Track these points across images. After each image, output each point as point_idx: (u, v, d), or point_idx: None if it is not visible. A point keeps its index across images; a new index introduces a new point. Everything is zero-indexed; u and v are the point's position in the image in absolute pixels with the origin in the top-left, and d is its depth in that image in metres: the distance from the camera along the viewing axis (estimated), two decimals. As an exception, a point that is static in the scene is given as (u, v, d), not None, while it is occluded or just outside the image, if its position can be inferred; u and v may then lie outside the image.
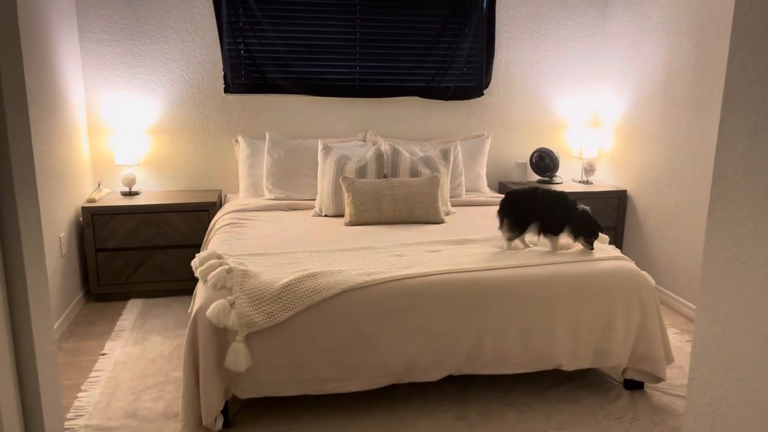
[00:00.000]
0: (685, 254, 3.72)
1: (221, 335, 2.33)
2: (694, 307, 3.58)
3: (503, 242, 2.93)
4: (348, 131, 4.26)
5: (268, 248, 2.90)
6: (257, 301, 2.37)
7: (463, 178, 4.03)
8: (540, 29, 4.38)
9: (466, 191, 4.08)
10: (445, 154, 3.78)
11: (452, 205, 3.79)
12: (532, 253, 2.86)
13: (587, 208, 2.89)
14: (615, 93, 4.37)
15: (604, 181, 4.52)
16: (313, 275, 2.47)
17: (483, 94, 4.37)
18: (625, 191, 4.27)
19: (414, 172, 3.66)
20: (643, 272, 2.78)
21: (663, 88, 3.86)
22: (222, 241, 3.05)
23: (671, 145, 3.80)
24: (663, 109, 3.87)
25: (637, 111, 4.13)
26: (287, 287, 2.41)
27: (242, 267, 2.51)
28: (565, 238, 2.87)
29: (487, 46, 4.31)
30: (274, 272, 2.55)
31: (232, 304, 2.34)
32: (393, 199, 3.41)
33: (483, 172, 4.25)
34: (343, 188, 3.46)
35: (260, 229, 3.26)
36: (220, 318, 2.30)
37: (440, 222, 3.46)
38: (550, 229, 2.87)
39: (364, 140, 4.17)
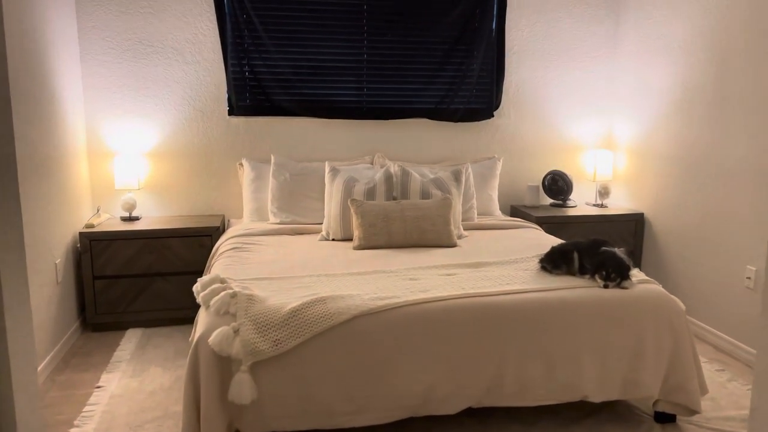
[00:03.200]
0: (708, 279, 3.56)
1: (224, 365, 2.16)
2: (722, 334, 3.40)
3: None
4: (355, 154, 4.14)
5: (275, 273, 2.75)
6: (263, 328, 2.21)
7: (474, 200, 3.89)
8: (550, 49, 4.30)
9: (478, 214, 3.94)
10: (456, 176, 3.66)
11: (464, 229, 3.65)
12: (555, 276, 2.70)
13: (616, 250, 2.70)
14: (629, 113, 4.26)
15: (619, 204, 4.38)
16: (322, 300, 2.32)
17: (493, 116, 4.26)
18: (642, 214, 4.13)
19: (425, 194, 3.52)
20: (672, 296, 2.62)
21: (680, 107, 3.74)
22: (225, 266, 2.90)
23: (690, 165, 3.67)
24: (680, 129, 3.75)
25: (653, 131, 4.01)
26: (295, 312, 2.25)
27: (247, 291, 2.36)
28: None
29: (496, 67, 4.22)
30: (282, 297, 2.40)
31: (236, 331, 2.18)
32: (403, 222, 3.27)
33: (495, 194, 4.12)
34: (352, 211, 3.32)
35: (265, 254, 3.11)
36: (224, 346, 2.14)
37: (453, 245, 3.31)
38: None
39: (372, 163, 4.05)
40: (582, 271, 2.73)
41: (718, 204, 3.47)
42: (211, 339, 2.15)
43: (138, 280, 3.57)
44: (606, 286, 2.58)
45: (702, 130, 3.57)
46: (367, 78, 4.12)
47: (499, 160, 4.19)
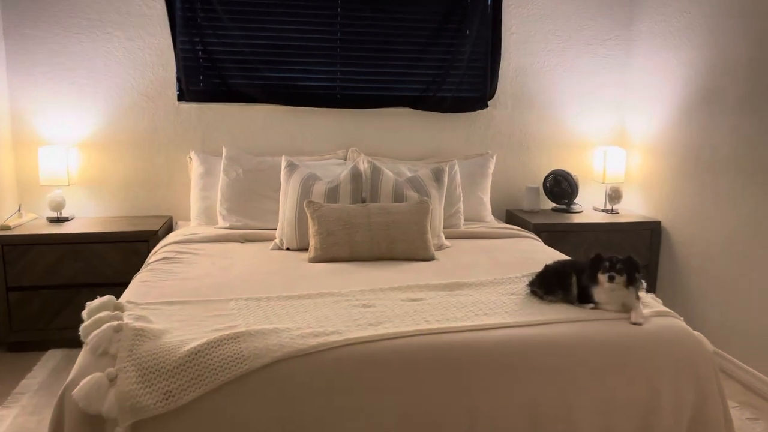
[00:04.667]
0: (737, 302, 2.96)
1: (96, 425, 1.62)
2: (754, 371, 2.81)
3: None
4: (326, 148, 3.59)
5: (197, 293, 2.21)
6: (151, 375, 1.66)
7: (461, 204, 3.32)
8: (555, 30, 3.71)
9: (465, 220, 3.37)
10: (437, 175, 3.08)
11: (447, 237, 3.08)
12: (547, 307, 2.13)
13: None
14: (645, 105, 3.66)
15: (632, 210, 3.79)
16: (236, 337, 1.77)
17: (487, 106, 3.69)
18: (658, 222, 3.54)
19: (398, 196, 2.96)
20: (697, 335, 2.05)
21: (708, 95, 3.15)
22: (142, 282, 2.37)
23: (718, 165, 3.08)
24: (708, 122, 3.15)
25: (673, 126, 3.42)
26: (196, 354, 1.70)
27: (138, 324, 1.81)
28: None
29: (491, 50, 3.64)
30: (187, 331, 1.85)
31: (112, 379, 1.64)
32: (369, 230, 2.71)
33: (486, 197, 3.55)
34: (308, 215, 2.76)
35: (199, 267, 2.57)
36: (92, 400, 1.60)
37: (429, 259, 2.75)
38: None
39: (345, 158, 3.50)
40: (582, 299, 2.16)
41: (752, 212, 2.88)
42: (77, 390, 1.61)
43: (61, 292, 3.04)
44: (612, 279, 2.05)
45: (734, 124, 2.97)
46: (341, 60, 3.56)
47: (493, 158, 3.61)
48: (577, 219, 3.57)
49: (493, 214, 3.65)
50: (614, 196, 3.71)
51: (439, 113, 3.66)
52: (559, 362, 1.89)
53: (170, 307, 2.05)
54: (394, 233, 2.72)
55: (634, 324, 2.02)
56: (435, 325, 1.92)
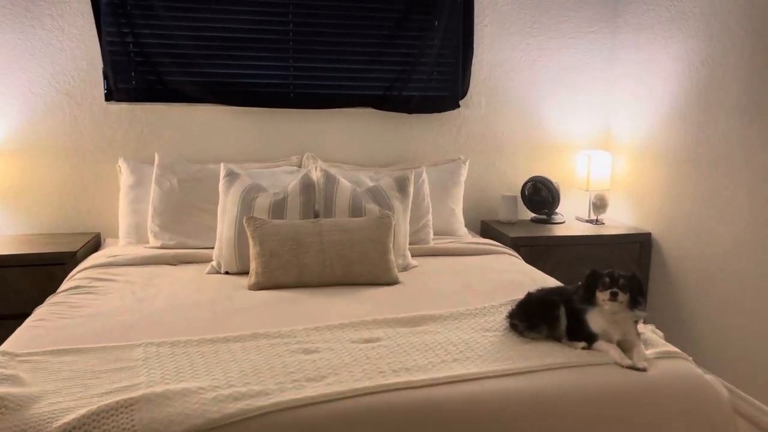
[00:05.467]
0: (741, 326, 2.63)
1: None
2: (764, 406, 2.47)
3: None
4: (278, 153, 3.17)
5: (100, 337, 1.79)
6: (6, 464, 1.24)
7: (430, 216, 2.94)
8: (533, 22, 3.35)
9: (435, 234, 2.98)
10: (401, 184, 2.69)
11: (413, 255, 2.69)
12: (529, 347, 1.75)
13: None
14: (633, 104, 3.32)
15: (619, 221, 3.44)
16: (129, 405, 1.35)
17: (459, 106, 3.31)
18: (648, 234, 3.19)
19: (356, 210, 2.56)
20: (711, 379, 1.69)
21: (702, 93, 2.81)
22: (36, 322, 1.94)
23: (715, 170, 2.74)
24: (702, 123, 2.82)
25: (665, 126, 3.08)
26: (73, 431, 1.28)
27: (2, 389, 1.38)
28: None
29: (463, 44, 3.26)
30: (70, 393, 1.43)
31: (-51, 474, 1.21)
32: (321, 251, 2.30)
33: (459, 208, 3.17)
34: (248, 233, 2.35)
35: (114, 298, 2.14)
36: None
37: (392, 282, 2.37)
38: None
39: (300, 166, 3.09)
40: (572, 335, 1.79)
41: (756, 224, 2.54)
42: None
43: (-40, 326, 2.57)
44: (614, 296, 1.70)
45: (732, 126, 2.64)
46: (294, 55, 3.15)
47: (465, 163, 3.24)
48: (558, 231, 3.22)
49: (466, 226, 3.28)
50: (599, 204, 3.37)
51: (405, 114, 3.27)
52: (545, 423, 1.51)
53: (59, 358, 1.62)
54: (351, 254, 2.32)
55: (636, 369, 1.65)
56: (391, 379, 1.52)
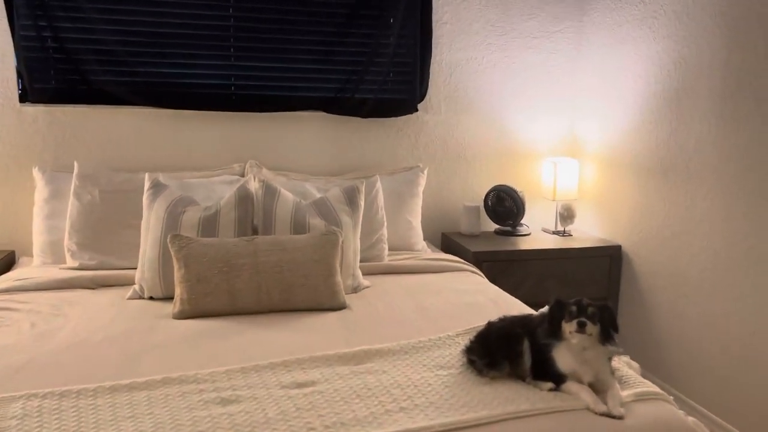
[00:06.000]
0: (721, 350, 2.43)
1: None
2: (734, 429, 2.27)
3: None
4: (218, 161, 2.88)
5: (-26, 386, 1.47)
6: None
7: (385, 230, 2.68)
8: (495, 20, 3.13)
9: (390, 250, 2.73)
10: (350, 196, 2.42)
11: (366, 274, 2.43)
12: (489, 389, 1.51)
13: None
14: (601, 108, 3.13)
15: (588, 232, 3.24)
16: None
17: (417, 110, 3.07)
18: (619, 247, 3.00)
19: (298, 226, 2.28)
20: (693, 424, 1.47)
21: (675, 97, 2.62)
22: None
23: (690, 179, 2.56)
24: (675, 129, 2.63)
25: (634, 131, 2.89)
26: None
27: None
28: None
29: (421, 43, 3.02)
30: None
31: None
32: (257, 273, 2.03)
33: (417, 220, 2.92)
34: (172, 254, 2.06)
35: (8, 333, 1.83)
36: None
37: (339, 308, 2.10)
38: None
39: (243, 174, 2.80)
40: (538, 373, 1.56)
41: (736, 237, 2.35)
42: None
43: None
44: (582, 328, 1.47)
45: (707, 132, 2.45)
46: (235, 53, 2.87)
47: (424, 172, 3.00)
48: (524, 244, 2.99)
49: (426, 239, 3.04)
50: (567, 215, 3.16)
51: (359, 119, 3.01)
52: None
53: None
54: (291, 277, 2.05)
55: (612, 417, 1.42)
56: (322, 440, 1.26)
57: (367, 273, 2.46)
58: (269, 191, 2.33)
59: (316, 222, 2.28)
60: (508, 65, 3.18)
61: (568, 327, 1.50)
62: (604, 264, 2.98)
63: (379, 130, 3.07)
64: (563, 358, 1.51)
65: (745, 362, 2.32)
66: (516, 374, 1.58)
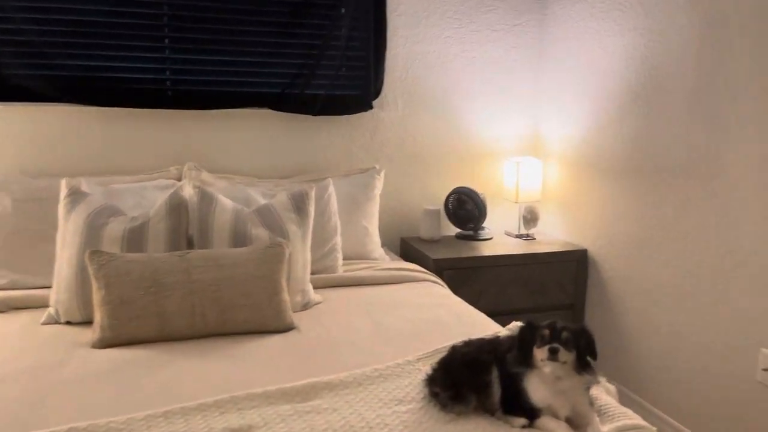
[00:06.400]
0: (693, 364, 2.31)
1: None
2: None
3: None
4: (153, 164, 2.61)
5: None
6: None
7: (338, 238, 2.46)
8: (453, 12, 2.94)
9: (345, 259, 2.51)
10: (297, 202, 2.19)
11: (317, 287, 2.22)
12: (455, 428, 1.32)
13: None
14: (565, 105, 2.98)
15: (552, 235, 3.10)
16: None
17: (372, 107, 2.86)
18: (585, 251, 2.86)
19: (239, 238, 2.04)
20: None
21: (643, 93, 2.49)
22: None
23: (660, 181, 2.42)
24: (643, 128, 2.49)
25: (600, 130, 2.75)
26: None
27: None
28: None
29: (375, 35, 2.81)
30: None
31: None
32: (190, 293, 1.78)
33: (373, 226, 2.71)
34: (91, 272, 1.79)
35: None
36: None
37: (285, 329, 1.88)
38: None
39: (181, 178, 2.54)
40: (509, 406, 1.37)
41: (710, 245, 2.23)
42: None
43: None
44: (554, 355, 1.30)
45: (677, 132, 2.32)
46: (171, 45, 2.60)
47: (380, 173, 2.79)
48: (486, 249, 2.83)
49: (384, 245, 2.84)
50: (530, 218, 3.01)
51: (309, 116, 2.78)
52: None
53: None
54: (230, 296, 1.82)
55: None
56: None
57: (319, 286, 2.24)
58: (205, 198, 2.08)
59: (260, 233, 2.04)
60: (467, 59, 3.00)
61: (540, 353, 1.33)
62: (570, 269, 2.84)
63: (331, 129, 2.85)
64: (536, 389, 1.33)
65: (717, 375, 2.20)
66: (484, 408, 1.39)
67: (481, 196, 2.93)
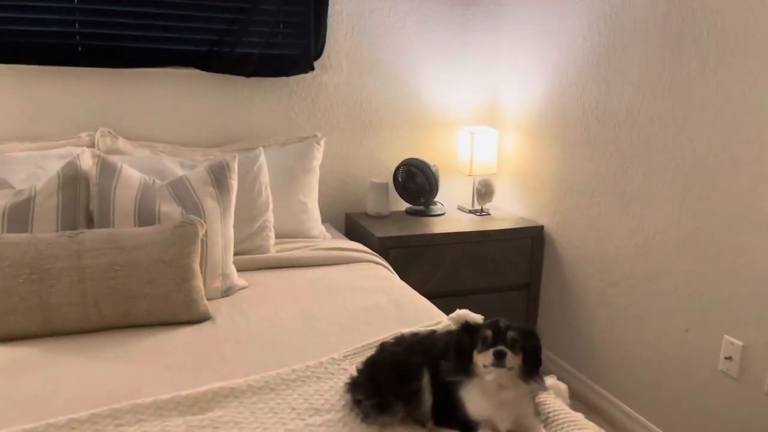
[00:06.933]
0: (654, 350, 2.16)
1: None
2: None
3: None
4: (61, 129, 2.31)
5: None
6: None
7: (270, 214, 2.21)
8: (404, -35, 2.68)
9: (278, 237, 2.27)
10: (216, 175, 1.91)
11: (244, 270, 1.98)
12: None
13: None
14: (522, 70, 2.76)
15: (508, 210, 2.90)
16: None
17: (313, 69, 2.58)
18: (541, 228, 2.67)
19: (145, 215, 1.77)
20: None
21: (605, 56, 2.28)
22: None
23: (621, 152, 2.23)
24: (605, 93, 2.29)
25: (557, 98, 2.54)
26: None
27: None
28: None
29: (316, -12, 2.53)
30: None
31: None
32: (81, 281, 1.52)
33: (313, 201, 2.47)
34: (-40, 259, 1.52)
35: None
36: None
37: (199, 320, 1.64)
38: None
39: (94, 145, 2.25)
40: (441, 419, 1.17)
41: (672, 219, 2.05)
42: None
43: None
44: (500, 360, 1.11)
45: (642, 96, 2.12)
46: (80, -7, 2.28)
47: (320, 143, 2.53)
48: (437, 225, 2.62)
49: (328, 221, 2.61)
50: (485, 192, 2.80)
51: (242, 78, 2.50)
52: None
53: None
54: (130, 284, 1.56)
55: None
56: None
57: (246, 268, 2.00)
58: (106, 169, 1.79)
59: (170, 209, 1.78)
60: (418, 19, 2.74)
61: (482, 359, 1.12)
62: (525, 246, 2.65)
63: (267, 93, 2.58)
64: (475, 400, 1.13)
65: (678, 363, 2.05)
66: (413, 418, 1.19)
67: (433, 169, 2.70)
